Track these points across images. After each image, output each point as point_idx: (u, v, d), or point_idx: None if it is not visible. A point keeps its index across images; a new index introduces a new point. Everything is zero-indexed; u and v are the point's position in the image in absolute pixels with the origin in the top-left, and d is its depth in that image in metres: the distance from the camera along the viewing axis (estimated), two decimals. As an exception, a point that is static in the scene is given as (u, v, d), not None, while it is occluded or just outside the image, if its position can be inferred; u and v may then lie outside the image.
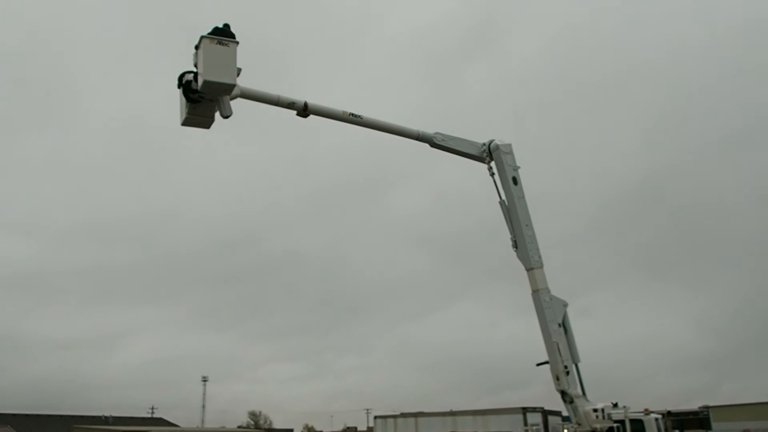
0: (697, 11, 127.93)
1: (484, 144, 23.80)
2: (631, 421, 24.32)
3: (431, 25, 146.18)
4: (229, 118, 18.37)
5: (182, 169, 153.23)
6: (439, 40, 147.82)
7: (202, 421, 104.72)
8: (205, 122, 19.12)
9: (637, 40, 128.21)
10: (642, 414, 25.56)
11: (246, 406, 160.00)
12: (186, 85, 18.28)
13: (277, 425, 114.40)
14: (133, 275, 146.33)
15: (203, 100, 18.31)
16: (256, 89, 19.34)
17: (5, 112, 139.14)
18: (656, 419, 26.51)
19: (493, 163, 23.71)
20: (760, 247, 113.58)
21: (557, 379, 22.22)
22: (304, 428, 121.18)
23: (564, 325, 22.86)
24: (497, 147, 23.57)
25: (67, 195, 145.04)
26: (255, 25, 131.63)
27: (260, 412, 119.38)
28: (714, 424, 62.77)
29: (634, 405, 25.30)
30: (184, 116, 18.86)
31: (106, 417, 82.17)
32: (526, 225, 23.13)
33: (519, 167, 23.72)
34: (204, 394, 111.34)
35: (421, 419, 53.89)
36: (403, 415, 57.84)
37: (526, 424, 43.39)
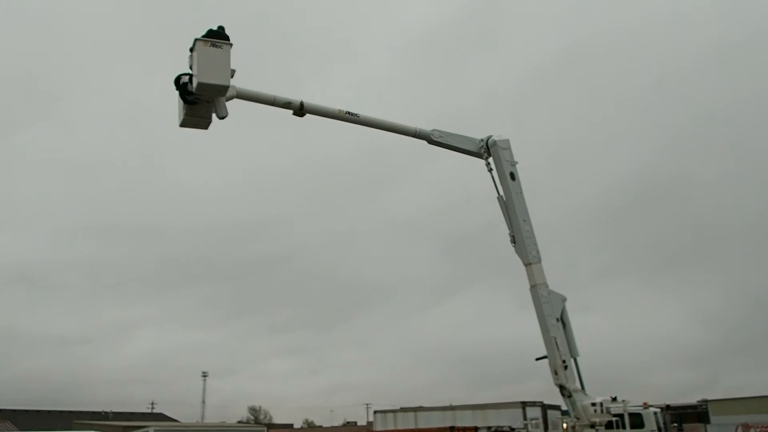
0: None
1: (482, 140, 23.85)
2: (630, 414, 24.46)
3: (431, 20, 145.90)
4: (225, 119, 18.52)
5: (182, 165, 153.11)
6: (439, 34, 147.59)
7: (202, 417, 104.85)
8: (203, 123, 19.23)
9: (638, 31, 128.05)
10: (641, 408, 25.68)
11: (246, 401, 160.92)
12: (182, 87, 18.38)
13: (277, 420, 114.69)
14: (133, 271, 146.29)
15: (200, 101, 18.43)
16: (253, 90, 19.52)
17: (5, 108, 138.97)
18: (655, 413, 26.64)
19: (491, 159, 23.79)
20: (760, 241, 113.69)
21: (555, 373, 22.35)
22: (303, 423, 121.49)
23: (562, 320, 22.96)
24: (495, 143, 23.64)
25: (66, 190, 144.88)
26: (256, 20, 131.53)
27: (260, 408, 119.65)
28: (713, 418, 62.82)
29: (633, 399, 25.41)
30: (181, 117, 18.99)
31: (106, 412, 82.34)
32: (524, 220, 23.23)
33: (517, 162, 23.81)
34: (204, 389, 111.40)
35: (420, 414, 53.96)
36: (403, 409, 57.91)
37: (525, 418, 43.52)
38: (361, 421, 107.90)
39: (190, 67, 18.15)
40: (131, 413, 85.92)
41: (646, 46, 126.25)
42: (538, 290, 22.78)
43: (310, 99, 20.22)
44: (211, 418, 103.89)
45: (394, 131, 22.70)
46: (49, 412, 79.68)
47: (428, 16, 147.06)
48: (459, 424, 45.20)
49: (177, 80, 18.39)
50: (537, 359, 23.15)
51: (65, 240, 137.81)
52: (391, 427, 53.54)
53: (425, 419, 51.71)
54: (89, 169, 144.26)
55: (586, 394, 22.83)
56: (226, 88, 18.03)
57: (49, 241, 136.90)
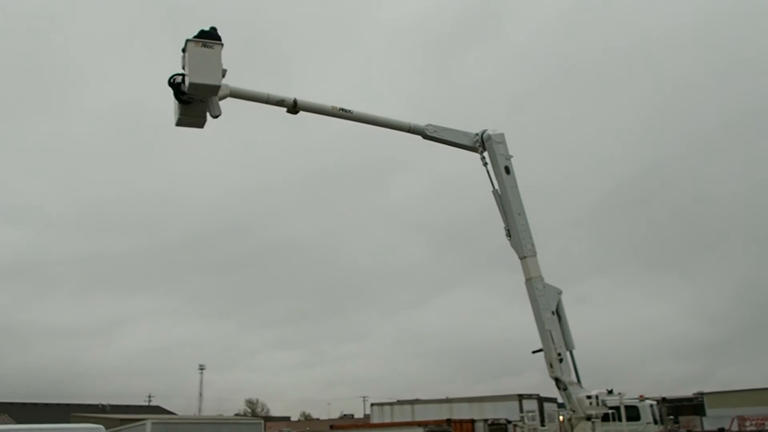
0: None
1: (477, 134, 23.83)
2: (627, 407, 24.59)
3: (426, 10, 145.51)
4: (219, 117, 18.63)
5: (178, 157, 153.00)
6: (435, 25, 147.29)
7: (199, 409, 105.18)
8: (198, 122, 19.34)
9: (640, 23, 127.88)
10: (637, 400, 25.81)
11: (243, 394, 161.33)
12: (176, 87, 18.51)
13: (274, 413, 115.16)
14: (130, 263, 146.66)
15: (194, 101, 18.55)
16: (246, 88, 19.61)
17: (1, 99, 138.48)
18: (651, 405, 26.82)
19: (486, 153, 23.78)
20: (756, 234, 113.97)
21: (551, 366, 22.37)
22: (301, 416, 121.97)
23: (558, 313, 22.96)
24: (489, 137, 23.62)
25: (62, 183, 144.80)
26: (251, 11, 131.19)
27: (257, 400, 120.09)
28: (708, 411, 63.07)
29: (629, 391, 25.56)
30: (177, 117, 19.12)
31: (103, 405, 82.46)
32: (519, 214, 23.22)
33: (512, 156, 23.78)
34: (201, 382, 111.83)
35: (417, 406, 54.06)
36: (400, 402, 58.07)
37: (521, 410, 43.60)
38: (358, 414, 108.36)
39: (183, 68, 18.26)
40: (128, 406, 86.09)
41: (646, 39, 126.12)
42: (533, 283, 22.78)
43: (305, 90, 20.30)
44: (208, 410, 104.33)
45: (388, 127, 22.71)
46: (46, 404, 79.75)
47: (425, 7, 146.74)
48: (456, 416, 45.26)
49: (170, 80, 18.53)
50: (533, 352, 23.18)
51: (61, 233, 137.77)
52: (388, 420, 53.63)
53: (422, 412, 51.83)
54: (85, 162, 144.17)
55: (581, 387, 22.87)
56: (217, 87, 18.20)
57: (46, 234, 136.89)
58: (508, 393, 49.54)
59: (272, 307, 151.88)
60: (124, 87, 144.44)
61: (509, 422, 43.14)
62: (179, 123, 19.26)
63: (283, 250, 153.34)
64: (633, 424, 24.90)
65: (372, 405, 62.59)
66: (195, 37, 18.08)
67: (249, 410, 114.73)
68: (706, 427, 58.30)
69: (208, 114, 18.84)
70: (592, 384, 23.11)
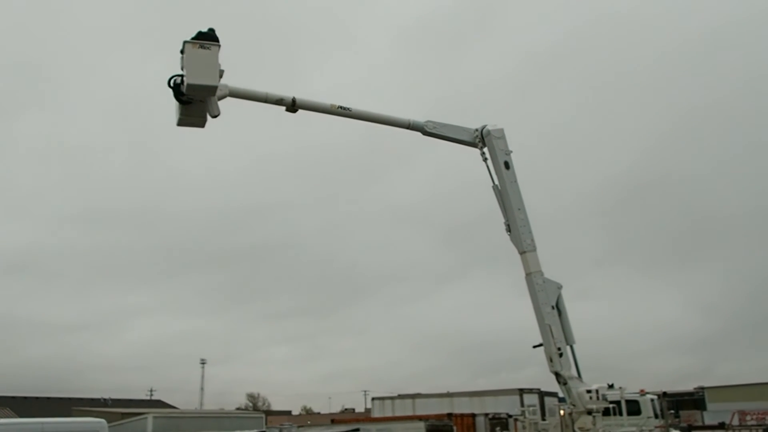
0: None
1: (477, 130, 23.90)
2: (628, 401, 24.67)
3: (429, 6, 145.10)
4: (218, 118, 18.88)
5: (179, 152, 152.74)
6: (437, 20, 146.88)
7: (201, 404, 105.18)
8: (199, 122, 19.59)
9: (637, 17, 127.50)
10: (638, 395, 25.85)
11: (244, 388, 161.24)
12: (175, 87, 18.72)
13: (275, 407, 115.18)
14: (131, 258, 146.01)
15: (193, 101, 18.79)
16: (245, 87, 19.89)
17: (1, 94, 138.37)
18: (652, 400, 26.81)
19: (485, 149, 23.82)
20: (758, 229, 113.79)
21: (551, 360, 22.50)
22: (302, 410, 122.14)
23: (558, 308, 23.05)
24: (489, 132, 23.70)
25: (62, 178, 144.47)
26: (253, 7, 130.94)
27: (258, 394, 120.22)
28: (709, 405, 63.14)
29: (630, 386, 25.61)
30: (178, 117, 19.35)
31: (105, 399, 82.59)
32: (519, 209, 23.32)
33: (511, 152, 23.84)
34: (202, 376, 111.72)
35: (418, 400, 54.15)
36: (401, 396, 58.16)
37: (522, 405, 43.62)
38: (359, 408, 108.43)
39: (182, 69, 18.47)
40: (130, 400, 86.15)
41: (645, 31, 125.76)
42: (533, 278, 22.92)
43: (306, 86, 20.48)
44: (210, 404, 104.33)
45: (387, 124, 22.85)
46: (48, 398, 79.84)
47: (426, 1, 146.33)
48: (456, 410, 45.32)
49: (170, 81, 18.74)
50: (534, 347, 23.29)
51: (62, 227, 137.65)
52: (389, 414, 53.74)
53: (423, 406, 51.92)
54: (86, 155, 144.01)
55: (582, 381, 22.96)
56: (215, 88, 18.46)
57: (46, 228, 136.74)
58: (509, 387, 49.61)
59: (274, 302, 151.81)
60: (126, 79, 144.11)
61: (510, 416, 43.15)
62: (180, 123, 19.52)
63: (285, 244, 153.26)
64: (634, 419, 24.93)
65: (373, 399, 62.77)
66: (192, 38, 18.29)
67: (250, 404, 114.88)
68: (707, 421, 58.29)
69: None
70: (593, 378, 23.26)
